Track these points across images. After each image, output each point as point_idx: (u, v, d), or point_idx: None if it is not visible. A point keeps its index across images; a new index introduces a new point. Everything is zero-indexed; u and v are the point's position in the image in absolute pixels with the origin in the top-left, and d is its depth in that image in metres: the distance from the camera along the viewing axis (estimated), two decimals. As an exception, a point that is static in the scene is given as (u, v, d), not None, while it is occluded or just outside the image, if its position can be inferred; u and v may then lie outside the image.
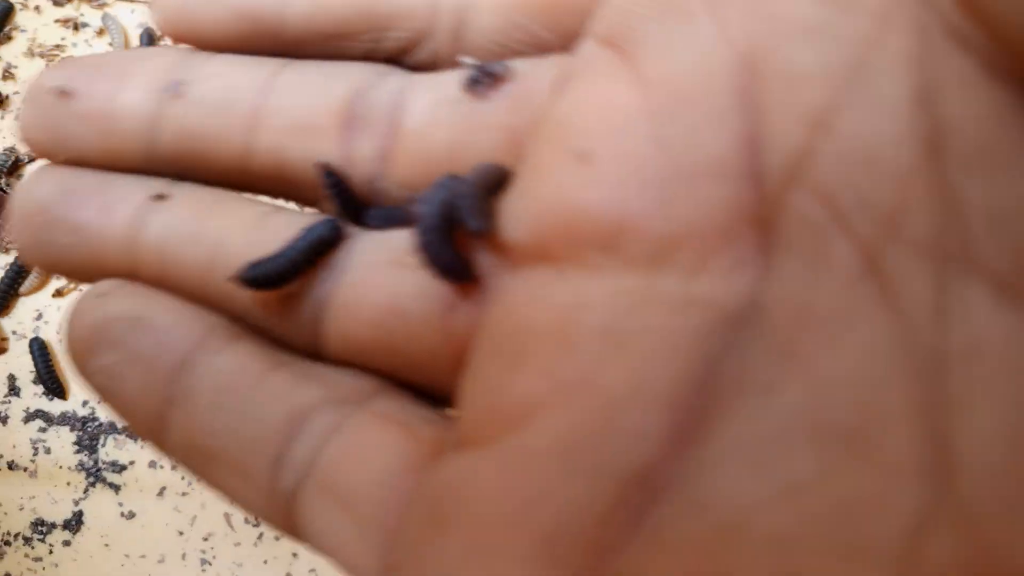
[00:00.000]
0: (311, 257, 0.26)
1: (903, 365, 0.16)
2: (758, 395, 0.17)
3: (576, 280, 0.21)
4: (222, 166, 0.29)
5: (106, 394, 0.27)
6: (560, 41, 0.27)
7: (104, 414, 0.53)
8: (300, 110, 0.28)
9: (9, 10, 0.62)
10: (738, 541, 0.16)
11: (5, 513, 0.52)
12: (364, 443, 0.24)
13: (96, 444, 0.53)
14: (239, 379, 0.25)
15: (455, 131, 0.26)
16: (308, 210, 0.30)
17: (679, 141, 0.20)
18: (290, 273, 0.26)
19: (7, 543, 0.51)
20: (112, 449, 0.53)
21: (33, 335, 0.55)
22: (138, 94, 0.29)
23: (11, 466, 0.53)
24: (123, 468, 0.52)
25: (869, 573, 0.15)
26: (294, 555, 0.50)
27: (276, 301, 0.27)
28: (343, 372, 0.26)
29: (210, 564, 0.50)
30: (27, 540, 0.51)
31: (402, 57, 0.29)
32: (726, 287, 0.19)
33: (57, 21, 0.62)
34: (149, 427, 0.26)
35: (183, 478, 0.52)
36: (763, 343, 0.18)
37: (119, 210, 0.28)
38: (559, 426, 0.19)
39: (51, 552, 0.51)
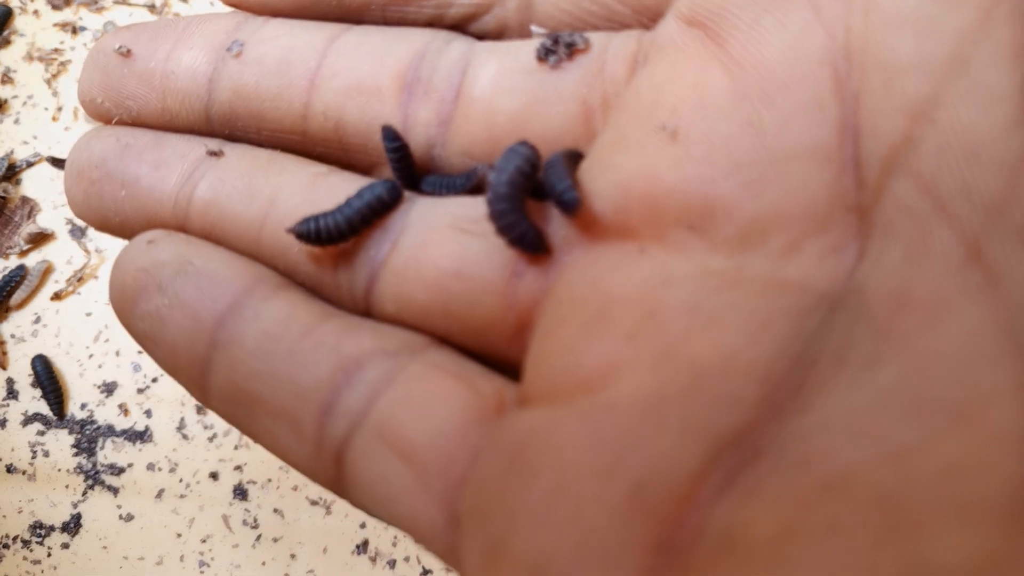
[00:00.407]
0: (368, 216, 0.26)
1: (1006, 348, 0.17)
2: (858, 369, 0.18)
3: (660, 257, 0.21)
4: (279, 126, 0.29)
5: (149, 340, 0.26)
6: (634, 15, 0.26)
7: (102, 416, 0.53)
8: (360, 72, 0.28)
9: (8, 14, 0.62)
10: (843, 497, 0.16)
11: (4, 516, 0.52)
12: (423, 393, 0.23)
13: (94, 447, 0.53)
14: (288, 326, 0.25)
15: (524, 101, 0.26)
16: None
17: (773, 125, 0.20)
18: (346, 230, 0.25)
19: (6, 546, 0.51)
20: (110, 452, 0.53)
21: (32, 337, 0.55)
22: (197, 54, 0.29)
23: (10, 469, 0.53)
24: (121, 471, 0.52)
25: (978, 530, 0.15)
26: (292, 556, 0.50)
27: (329, 258, 0.26)
28: (394, 327, 0.26)
29: (208, 566, 0.51)
30: (26, 543, 0.51)
31: (467, 24, 0.29)
32: (821, 271, 0.19)
33: (55, 25, 0.63)
34: (192, 373, 0.26)
35: (181, 480, 0.52)
36: (861, 324, 0.18)
37: (173, 165, 0.28)
38: (645, 387, 0.19)
39: (49, 555, 0.51)
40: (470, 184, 0.26)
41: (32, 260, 0.56)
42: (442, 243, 0.25)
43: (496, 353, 0.25)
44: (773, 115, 0.20)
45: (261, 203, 0.27)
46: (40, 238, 0.57)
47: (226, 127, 0.30)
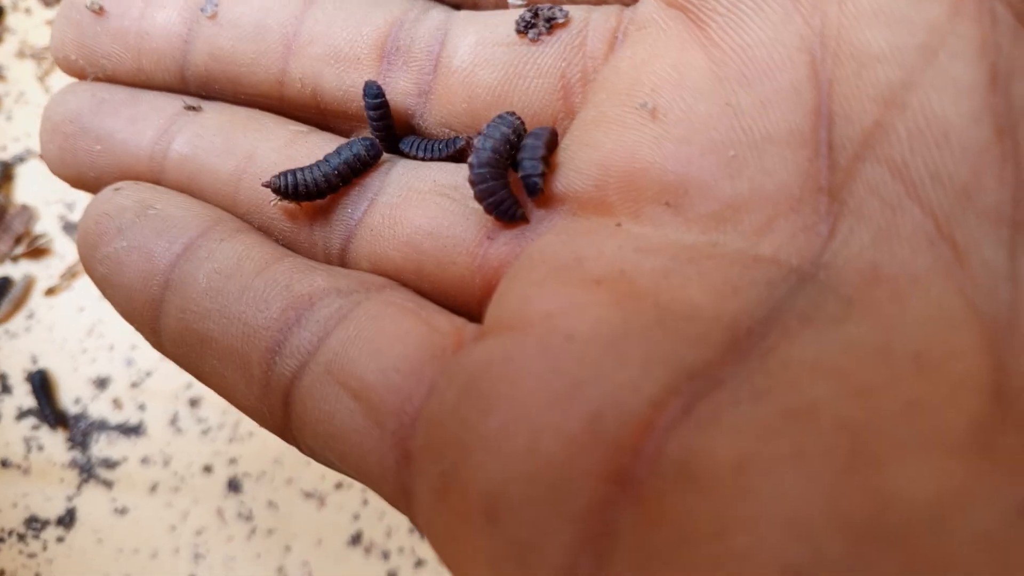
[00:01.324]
0: (346, 173, 0.26)
1: (974, 318, 0.17)
2: (825, 324, 0.18)
3: (636, 231, 0.22)
4: (256, 91, 0.29)
5: (107, 284, 0.26)
6: None
7: (96, 411, 0.54)
8: (337, 38, 0.28)
9: (-1, 12, 0.62)
10: (807, 426, 0.17)
11: (-2, 510, 0.52)
12: (377, 329, 0.23)
13: (88, 441, 0.53)
14: (241, 266, 0.25)
15: (503, 73, 0.26)
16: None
17: (751, 108, 0.21)
18: (324, 186, 0.25)
19: (1, 540, 0.51)
20: (104, 446, 0.53)
21: (25, 332, 0.55)
22: (170, 13, 0.29)
23: (4, 464, 0.53)
24: (115, 465, 0.53)
25: (940, 463, 0.16)
26: (286, 548, 0.51)
27: (305, 216, 0.26)
28: (352, 271, 0.26)
29: (203, 558, 0.51)
30: (21, 537, 0.51)
31: None
32: (792, 248, 0.20)
33: (47, 23, 0.63)
34: (145, 315, 0.25)
35: (175, 474, 0.52)
36: (830, 294, 0.19)
37: (149, 120, 0.28)
38: (608, 320, 0.19)
39: (45, 548, 0.51)
40: (450, 151, 0.27)
41: (24, 269, 0.57)
42: (420, 204, 0.25)
43: (465, 313, 0.25)
44: (751, 98, 0.21)
45: (239, 159, 0.27)
46: (37, 252, 0.57)
47: (202, 89, 0.29)
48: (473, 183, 0.24)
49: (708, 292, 0.19)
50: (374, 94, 0.26)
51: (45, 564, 0.51)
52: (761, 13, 0.21)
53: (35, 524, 0.52)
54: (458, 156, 0.26)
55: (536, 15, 0.26)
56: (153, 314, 0.25)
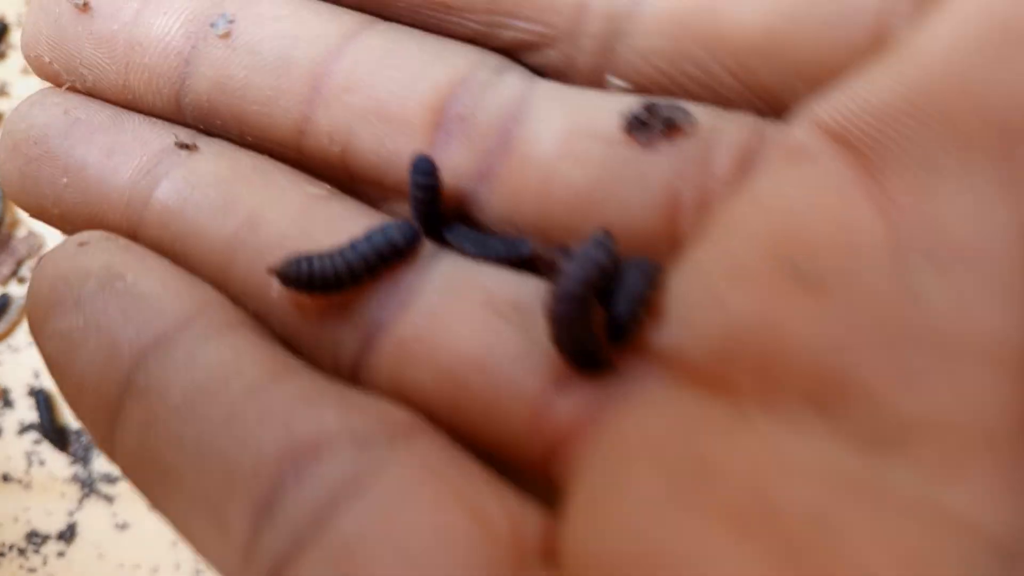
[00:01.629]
0: (376, 265, 0.20)
1: None
2: None
3: (770, 432, 0.16)
4: (267, 136, 0.23)
5: (55, 367, 0.21)
6: (745, 94, 0.21)
7: (98, 426, 0.54)
8: (383, 90, 0.22)
9: (4, 29, 0.63)
10: None
11: (0, 525, 0.52)
12: (408, 522, 0.17)
13: (89, 456, 0.54)
14: (230, 381, 0.19)
15: (597, 177, 0.20)
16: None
17: (942, 302, 0.16)
18: (347, 279, 0.20)
19: (2, 554, 0.52)
20: (105, 461, 0.53)
21: (27, 347, 0.56)
22: (172, 23, 0.23)
23: (6, 478, 0.53)
24: (116, 480, 0.53)
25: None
26: (286, 564, 0.51)
27: (316, 309, 0.21)
28: (371, 396, 0.20)
29: (203, 573, 0.51)
30: (22, 551, 0.52)
31: (522, 52, 0.23)
32: (988, 507, 0.14)
33: (52, 40, 0.63)
34: (96, 420, 0.20)
35: (176, 489, 0.53)
36: None
37: (131, 154, 0.23)
38: None
39: (45, 563, 0.51)
40: (510, 255, 0.21)
41: (25, 289, 0.57)
42: (467, 321, 0.20)
43: (515, 470, 0.20)
44: (943, 288, 0.16)
45: (238, 222, 0.22)
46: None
47: (201, 122, 0.24)
48: (554, 320, 0.18)
49: (887, 558, 0.15)
50: (425, 171, 0.21)
51: (45, 579, 0.51)
52: (965, 183, 0.16)
53: (36, 539, 0.52)
54: (518, 263, 0.22)
55: (652, 112, 0.20)
56: (107, 421, 0.20)
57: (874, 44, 0.18)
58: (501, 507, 0.17)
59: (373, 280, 0.21)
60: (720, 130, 0.20)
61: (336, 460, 0.18)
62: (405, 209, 0.23)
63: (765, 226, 0.18)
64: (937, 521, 0.15)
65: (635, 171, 0.20)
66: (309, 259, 0.20)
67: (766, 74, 0.20)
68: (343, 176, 0.23)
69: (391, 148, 0.22)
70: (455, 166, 0.22)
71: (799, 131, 0.18)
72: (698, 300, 0.18)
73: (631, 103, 0.21)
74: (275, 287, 0.21)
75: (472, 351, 0.19)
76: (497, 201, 0.22)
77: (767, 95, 0.20)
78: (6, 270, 0.57)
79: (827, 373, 0.16)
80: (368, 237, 0.21)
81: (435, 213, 0.22)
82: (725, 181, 0.20)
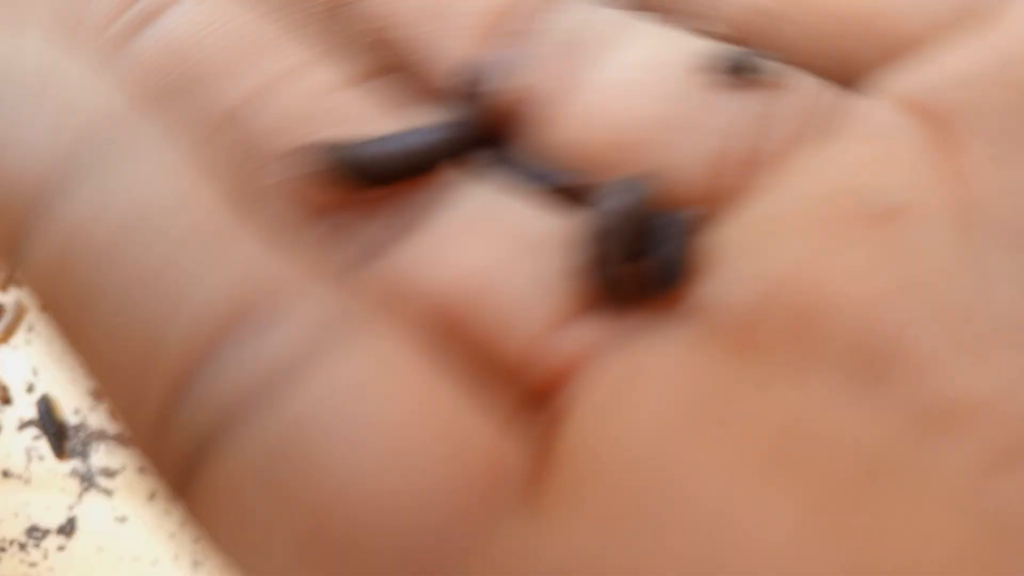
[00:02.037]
0: (432, 160, 0.18)
1: None
2: None
3: (795, 400, 0.14)
4: None
5: None
6: (817, 55, 0.19)
7: (95, 421, 0.54)
8: None
9: None
10: None
11: (0, 520, 0.53)
12: (368, 408, 0.13)
13: (88, 450, 0.54)
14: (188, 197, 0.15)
15: (658, 113, 0.19)
16: None
17: (1006, 288, 0.14)
18: (402, 171, 0.17)
19: (3, 549, 0.52)
20: (103, 455, 0.54)
21: (25, 345, 0.56)
22: None
23: (6, 474, 0.54)
24: (114, 473, 0.53)
25: None
26: (283, 554, 0.51)
27: (314, 216, 0.17)
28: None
29: (201, 565, 0.52)
30: (22, 546, 0.52)
31: None
32: None
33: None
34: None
35: (174, 481, 0.53)
36: None
37: None
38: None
39: (46, 557, 0.52)
40: (544, 184, 0.20)
41: (16, 296, 0.58)
42: (485, 241, 0.18)
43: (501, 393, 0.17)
44: (1008, 276, 0.14)
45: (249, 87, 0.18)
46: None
47: None
48: (592, 238, 0.17)
49: (929, 550, 0.13)
50: (481, 80, 0.19)
51: (46, 572, 0.52)
52: None
53: (36, 533, 0.52)
54: (552, 195, 0.20)
55: (729, 60, 0.19)
56: (13, 233, 0.15)
57: (961, 20, 0.17)
58: (479, 424, 0.15)
59: (414, 180, 0.18)
60: (791, 90, 0.19)
61: (298, 312, 0.14)
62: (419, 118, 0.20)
63: (819, 186, 0.16)
64: (985, 518, 0.13)
65: (699, 117, 0.19)
66: (365, 143, 0.17)
67: (843, 43, 0.19)
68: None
69: (439, 48, 0.20)
70: (511, 80, 0.19)
71: (871, 101, 0.17)
72: (736, 253, 0.16)
73: (709, 46, 0.19)
74: (277, 173, 0.17)
75: (484, 267, 0.17)
76: (547, 125, 0.20)
77: (842, 63, 0.19)
78: (3, 274, 0.58)
79: (873, 335, 0.14)
80: (431, 128, 0.18)
81: (479, 127, 0.20)
82: (777, 146, 0.18)
